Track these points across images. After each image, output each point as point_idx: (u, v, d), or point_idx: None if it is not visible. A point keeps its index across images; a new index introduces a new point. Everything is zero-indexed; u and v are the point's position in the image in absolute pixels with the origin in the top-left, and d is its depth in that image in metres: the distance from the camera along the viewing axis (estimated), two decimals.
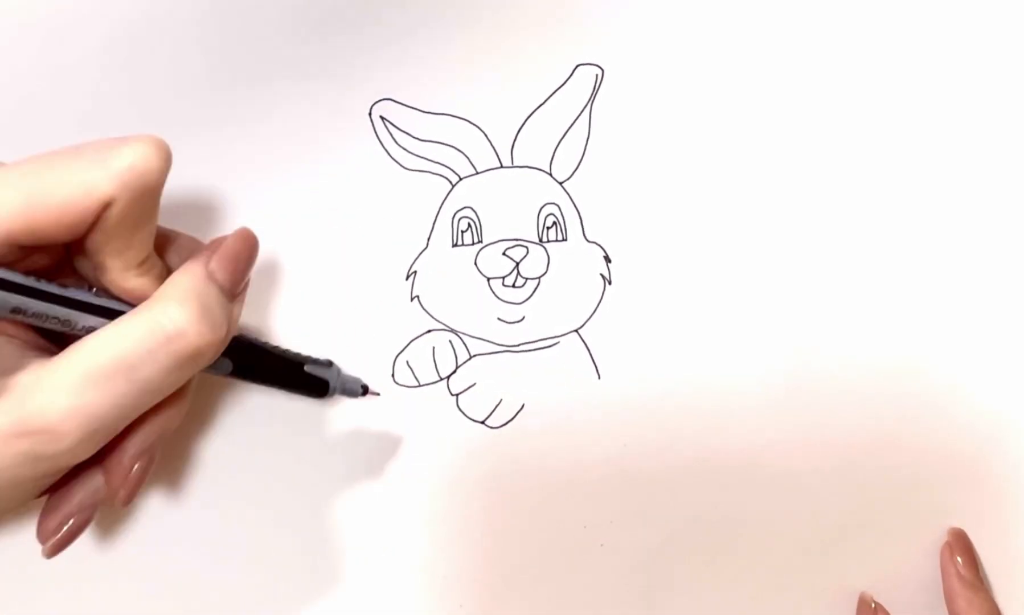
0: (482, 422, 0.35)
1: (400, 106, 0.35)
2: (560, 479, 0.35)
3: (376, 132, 0.35)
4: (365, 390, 0.33)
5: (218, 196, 0.34)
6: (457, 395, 0.35)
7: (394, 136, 0.35)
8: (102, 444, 0.26)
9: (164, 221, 0.34)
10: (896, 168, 0.36)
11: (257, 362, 0.30)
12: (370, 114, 0.35)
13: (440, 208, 0.35)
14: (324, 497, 0.34)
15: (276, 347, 0.31)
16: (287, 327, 0.35)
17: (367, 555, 0.34)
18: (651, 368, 0.35)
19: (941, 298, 0.36)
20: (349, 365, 0.34)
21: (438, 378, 0.35)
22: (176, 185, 0.34)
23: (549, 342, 0.35)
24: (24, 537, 0.33)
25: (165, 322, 0.25)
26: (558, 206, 0.35)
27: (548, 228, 0.35)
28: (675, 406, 0.35)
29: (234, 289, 0.28)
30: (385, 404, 0.35)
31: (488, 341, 0.35)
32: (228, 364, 0.29)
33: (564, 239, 0.35)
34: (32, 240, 0.24)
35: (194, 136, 0.34)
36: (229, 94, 0.35)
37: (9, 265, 0.24)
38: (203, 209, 0.34)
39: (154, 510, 0.34)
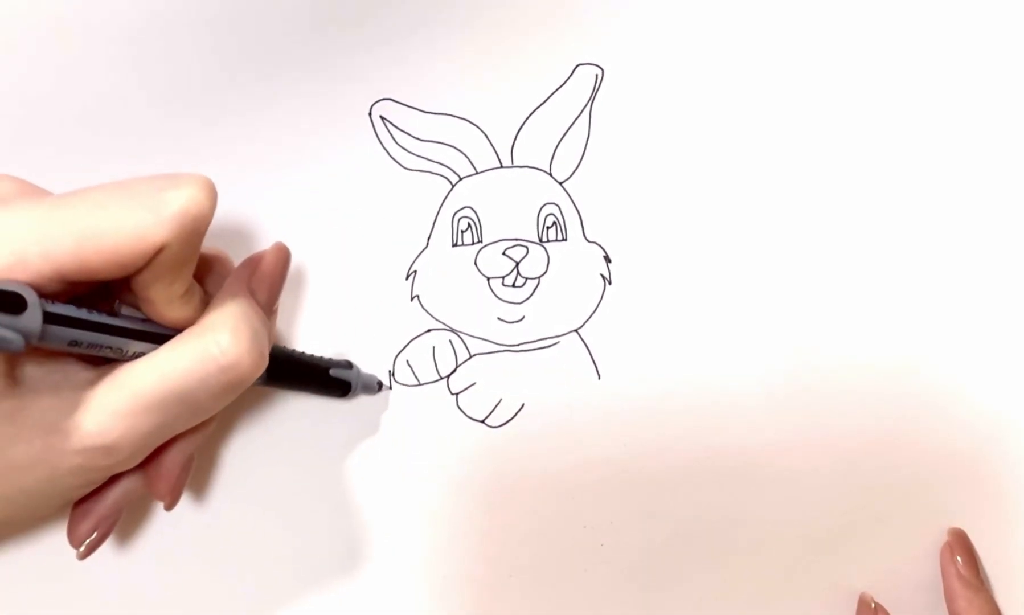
0: (482, 421, 0.35)
1: (400, 106, 0.35)
2: (560, 479, 0.35)
3: (376, 132, 0.35)
4: (380, 386, 0.34)
5: (218, 196, 0.34)
6: (457, 394, 0.35)
7: (394, 136, 0.35)
8: (146, 455, 0.27)
9: None
10: (896, 168, 0.36)
11: (288, 370, 0.32)
12: (370, 114, 0.35)
13: (440, 208, 0.35)
14: (324, 497, 0.34)
15: (303, 354, 0.32)
16: (288, 326, 0.35)
17: (367, 555, 0.34)
18: (651, 368, 0.35)
19: (941, 298, 0.36)
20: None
21: (438, 377, 0.35)
22: None
23: (549, 342, 0.35)
24: (44, 543, 0.34)
25: (217, 353, 0.25)
26: (558, 206, 0.35)
27: (548, 228, 0.35)
28: (675, 406, 0.35)
29: (271, 306, 0.29)
30: (385, 404, 0.35)
31: (488, 341, 0.35)
32: (263, 374, 0.30)
33: (564, 239, 0.35)
34: (82, 277, 0.24)
35: (194, 136, 0.34)
36: (229, 94, 0.35)
37: (55, 297, 0.24)
38: None
39: (156, 512, 0.34)
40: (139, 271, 0.25)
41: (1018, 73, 0.36)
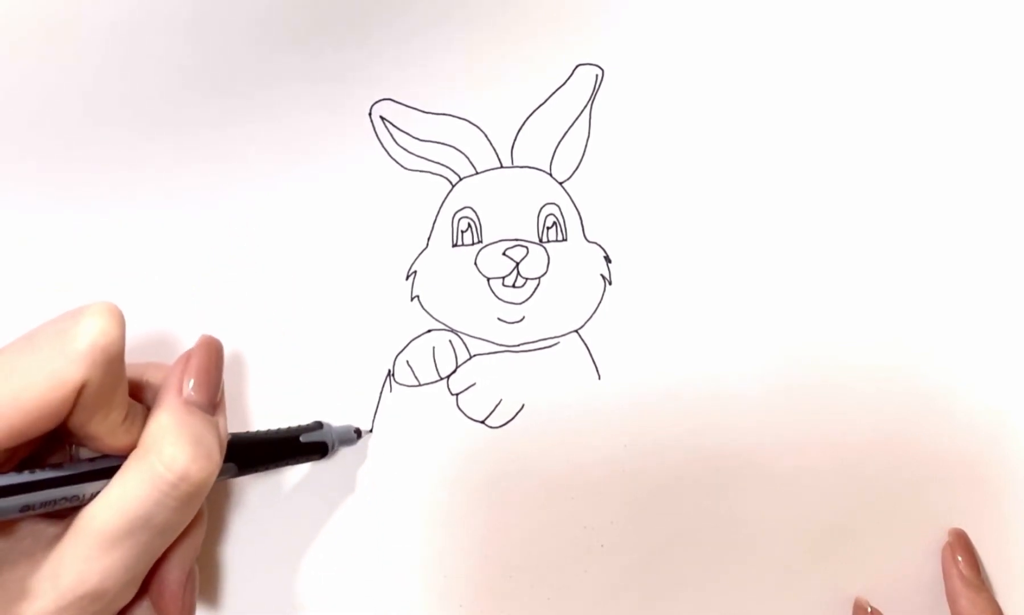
0: (482, 422, 0.35)
1: (400, 106, 0.35)
2: (560, 479, 0.35)
3: (376, 132, 0.35)
4: (359, 433, 0.34)
5: (219, 196, 0.34)
6: (457, 395, 0.35)
7: (394, 136, 0.35)
8: (139, 583, 0.27)
9: (166, 225, 0.34)
10: (896, 168, 0.36)
11: (257, 454, 0.31)
12: (370, 114, 0.35)
13: (440, 208, 0.35)
14: (324, 496, 0.34)
15: (268, 431, 0.32)
16: (287, 329, 0.35)
17: (367, 555, 0.34)
18: (651, 368, 0.35)
19: (941, 298, 0.36)
20: (349, 365, 0.34)
21: (438, 378, 0.35)
22: (178, 186, 0.34)
23: (549, 342, 0.35)
24: None
25: (163, 470, 0.25)
26: (558, 206, 0.35)
27: (548, 228, 0.35)
28: (675, 406, 0.35)
29: (213, 402, 0.28)
30: (385, 404, 0.35)
31: (488, 341, 0.35)
32: (233, 468, 0.30)
33: (564, 239, 0.35)
34: (12, 442, 0.24)
35: (194, 136, 0.34)
36: (229, 93, 0.35)
37: None
38: (204, 210, 0.34)
39: None
40: (70, 414, 0.24)
41: (1017, 73, 0.36)
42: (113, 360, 0.25)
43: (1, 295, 0.34)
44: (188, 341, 0.34)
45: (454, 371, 0.35)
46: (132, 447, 0.26)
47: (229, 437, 0.29)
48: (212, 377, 0.29)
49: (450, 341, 0.35)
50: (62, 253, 0.34)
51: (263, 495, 0.34)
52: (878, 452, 0.35)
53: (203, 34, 0.35)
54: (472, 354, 0.35)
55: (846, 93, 0.36)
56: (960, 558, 0.34)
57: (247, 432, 0.31)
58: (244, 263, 0.35)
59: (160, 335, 0.34)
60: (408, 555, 0.34)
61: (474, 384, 0.35)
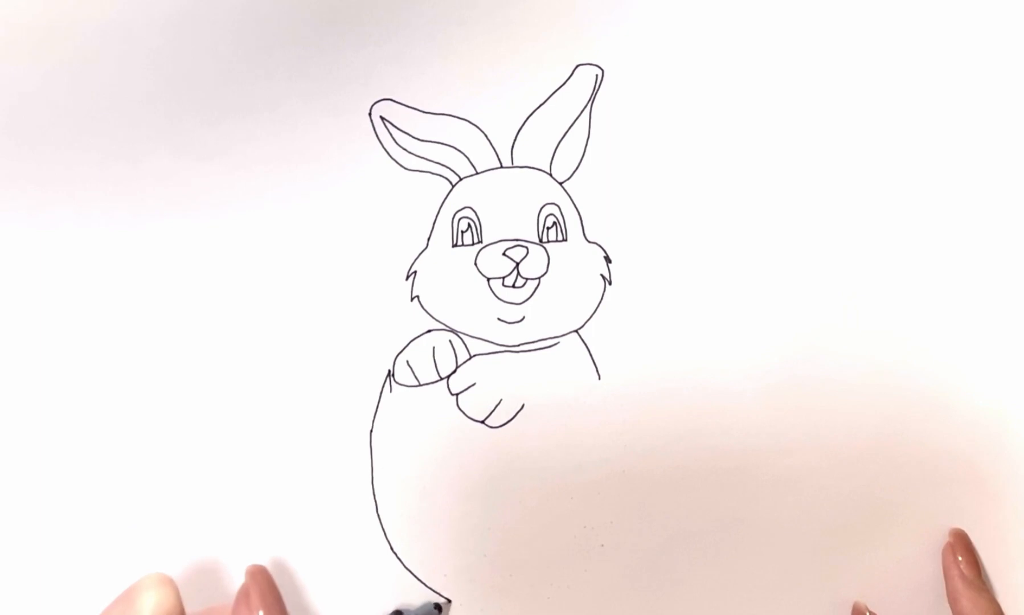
0: (482, 422, 0.35)
1: (400, 106, 0.35)
2: (560, 479, 0.35)
3: (376, 132, 0.35)
4: (439, 608, 0.34)
5: (218, 196, 0.34)
6: (457, 395, 0.35)
7: (394, 136, 0.35)
8: None
9: (166, 225, 0.34)
10: (897, 167, 0.36)
11: None
12: (370, 114, 0.35)
13: (440, 208, 0.35)
14: (324, 497, 0.34)
15: None
16: (288, 328, 0.35)
17: (367, 555, 0.34)
18: (651, 368, 0.35)
19: (942, 297, 0.36)
20: (349, 365, 0.34)
21: (438, 378, 0.35)
22: (177, 186, 0.34)
23: (549, 342, 0.35)
24: None
25: None
26: (558, 206, 0.35)
27: (548, 228, 0.35)
28: (675, 406, 0.35)
29: None
30: (385, 404, 0.35)
31: (488, 341, 0.35)
32: None
33: (564, 239, 0.35)
34: None
35: (194, 136, 0.34)
36: (229, 94, 0.35)
37: None
38: (203, 210, 0.34)
39: None
40: None
41: (1017, 73, 0.36)
42: None
43: (1, 295, 0.34)
44: (188, 343, 0.34)
45: (454, 371, 0.35)
46: None
47: None
48: (275, 599, 0.31)
49: (450, 341, 0.35)
50: (62, 253, 0.34)
51: None
52: (878, 452, 0.35)
53: (202, 35, 0.35)
54: (472, 354, 0.35)
55: (846, 92, 0.36)
56: (961, 558, 0.34)
57: None
58: (244, 263, 0.35)
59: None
60: (408, 555, 0.35)
61: (474, 384, 0.35)
